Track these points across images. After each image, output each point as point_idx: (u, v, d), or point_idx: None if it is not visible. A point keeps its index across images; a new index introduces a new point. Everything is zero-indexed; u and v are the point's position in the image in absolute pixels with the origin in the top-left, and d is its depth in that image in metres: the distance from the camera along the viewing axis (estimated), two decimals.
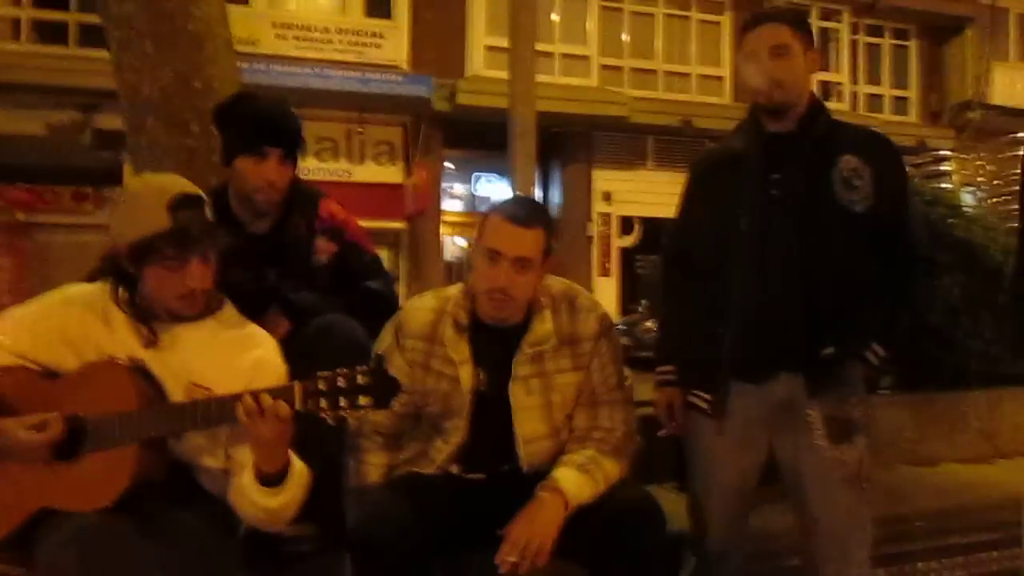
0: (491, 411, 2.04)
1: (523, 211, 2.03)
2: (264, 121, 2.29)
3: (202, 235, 1.82)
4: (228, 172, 2.38)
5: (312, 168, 12.18)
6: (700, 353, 2.19)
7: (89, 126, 12.44)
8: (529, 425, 2.04)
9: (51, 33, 12.52)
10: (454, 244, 14.79)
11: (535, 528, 1.85)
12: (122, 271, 1.86)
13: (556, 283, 2.14)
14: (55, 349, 1.87)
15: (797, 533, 2.21)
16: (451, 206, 14.46)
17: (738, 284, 2.11)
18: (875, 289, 2.09)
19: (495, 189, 14.12)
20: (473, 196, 14.74)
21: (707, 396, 2.17)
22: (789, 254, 2.07)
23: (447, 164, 14.03)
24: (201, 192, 1.89)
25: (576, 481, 1.94)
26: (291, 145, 2.30)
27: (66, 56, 12.05)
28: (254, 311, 2.07)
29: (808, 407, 2.08)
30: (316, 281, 2.34)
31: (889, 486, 2.23)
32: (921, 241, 2.15)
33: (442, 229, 14.01)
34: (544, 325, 2.05)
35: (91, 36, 11.52)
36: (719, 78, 14.99)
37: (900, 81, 16.39)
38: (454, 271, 13.87)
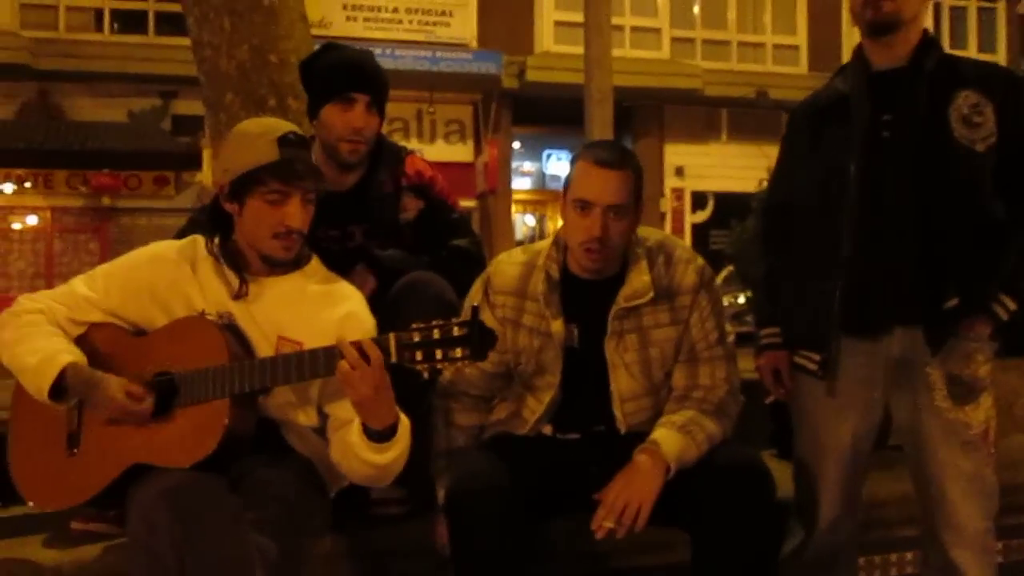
0: (585, 368, 1.97)
1: (610, 153, 1.94)
2: (350, 67, 2.27)
3: (307, 172, 1.84)
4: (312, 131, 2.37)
5: None
6: (806, 310, 2.07)
7: (168, 112, 12.78)
8: (625, 382, 1.97)
9: (131, 22, 12.86)
10: (524, 222, 14.76)
11: (633, 492, 1.77)
12: (217, 217, 1.88)
13: (652, 233, 2.05)
14: (144, 306, 1.88)
15: (915, 501, 2.08)
16: (521, 184, 14.42)
17: (848, 234, 1.98)
18: (1002, 235, 1.93)
19: (564, 167, 14.02)
20: (543, 173, 14.67)
21: (816, 356, 2.06)
22: (903, 200, 1.93)
23: (516, 142, 13.98)
24: (307, 137, 1.91)
25: (676, 442, 1.85)
26: (377, 93, 2.26)
27: (145, 44, 12.38)
28: (340, 269, 2.04)
29: (928, 365, 1.94)
30: (402, 238, 2.31)
31: (1003, 456, 2.09)
32: None
33: (513, 207, 13.99)
34: (640, 277, 1.96)
35: (169, 23, 11.80)
36: (795, 47, 14.56)
37: (987, 44, 15.65)
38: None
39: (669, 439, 1.85)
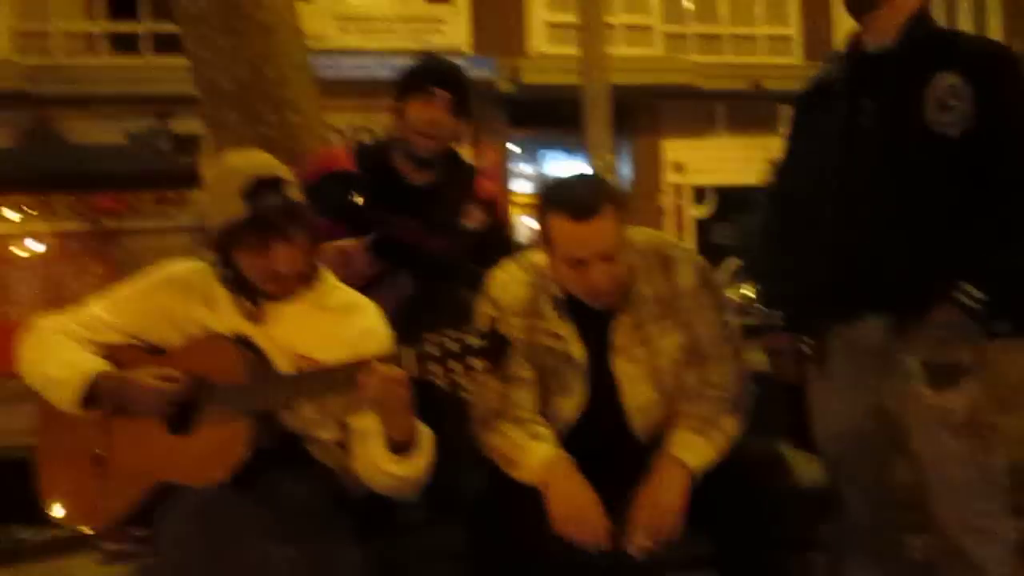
0: (598, 384, 1.95)
1: (582, 199, 1.80)
2: (433, 64, 2.43)
3: (281, 219, 1.79)
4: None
5: None
6: (799, 297, 2.09)
7: (166, 132, 12.79)
8: (639, 394, 1.95)
9: (125, 44, 12.89)
10: (524, 224, 14.75)
11: (662, 507, 1.78)
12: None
13: (640, 235, 1.98)
14: (160, 328, 1.90)
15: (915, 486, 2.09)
16: (519, 186, 14.41)
17: (829, 223, 1.99)
18: (969, 224, 1.87)
19: (563, 166, 14.01)
20: (541, 175, 14.66)
21: (810, 341, 2.08)
22: (877, 188, 1.92)
23: (513, 145, 13.98)
24: (282, 171, 1.85)
25: (695, 446, 1.85)
26: (458, 93, 2.34)
27: (141, 65, 12.40)
28: (395, 259, 2.18)
29: (901, 352, 1.92)
30: (458, 243, 2.37)
31: (1017, 432, 2.09)
32: None
33: (512, 210, 13.98)
34: (638, 289, 1.93)
35: (163, 44, 11.82)
36: (787, 38, 14.55)
37: (979, 24, 15.63)
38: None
39: (688, 445, 1.85)
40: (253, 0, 3.57)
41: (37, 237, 12.91)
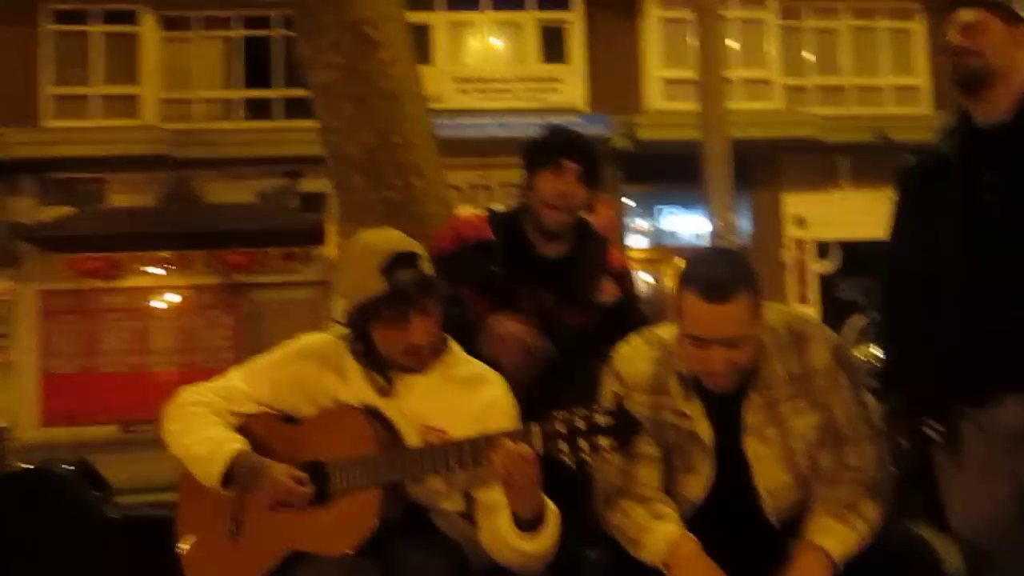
0: (728, 465, 1.88)
1: (719, 281, 1.74)
2: (562, 136, 2.42)
3: (418, 293, 1.84)
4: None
5: None
6: (925, 380, 1.98)
7: (294, 191, 13.43)
8: (771, 476, 1.87)
9: (259, 109, 13.68)
10: (640, 280, 14.63)
11: None
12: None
13: (774, 313, 1.92)
14: (292, 398, 1.96)
15: None
16: (635, 242, 14.35)
17: (955, 301, 1.90)
18: None
19: (679, 222, 13.89)
20: (657, 230, 14.57)
21: (938, 426, 1.96)
22: (1006, 263, 1.85)
23: (629, 200, 13.97)
24: (416, 246, 1.92)
25: (838, 536, 1.75)
26: (588, 164, 2.34)
27: (272, 128, 13.12)
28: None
29: None
30: (592, 318, 2.35)
31: None
32: None
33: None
34: (771, 368, 1.86)
35: (294, 108, 12.47)
36: (915, 88, 14.09)
37: None
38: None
39: (830, 533, 1.75)
40: (379, 69, 3.71)
41: (174, 290, 13.72)
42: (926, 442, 2.02)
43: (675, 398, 1.89)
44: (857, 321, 10.07)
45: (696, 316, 1.75)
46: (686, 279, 1.80)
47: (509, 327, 2.23)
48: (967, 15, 1.93)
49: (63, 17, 13.25)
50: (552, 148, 2.34)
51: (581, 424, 1.60)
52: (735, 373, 1.80)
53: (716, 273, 1.78)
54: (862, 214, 12.97)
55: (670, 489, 1.91)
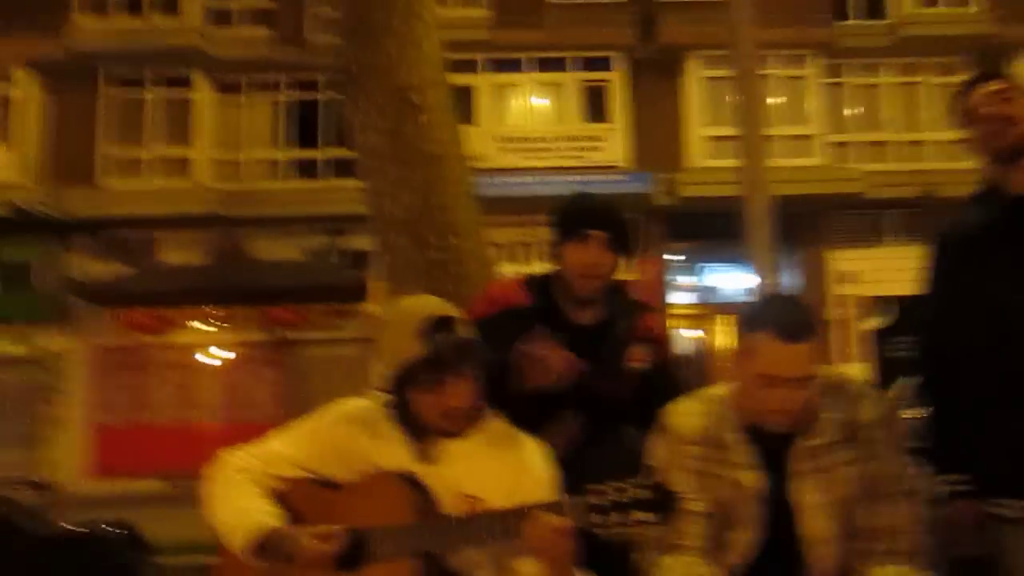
0: (775, 515, 1.88)
1: (793, 323, 1.81)
2: (586, 206, 2.40)
3: (456, 357, 1.86)
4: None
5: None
6: (998, 455, 1.93)
7: (337, 248, 13.65)
8: (818, 525, 1.86)
9: (306, 169, 14.01)
10: (683, 337, 14.50)
11: None
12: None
13: (827, 369, 1.97)
14: (329, 462, 1.97)
15: None
16: (677, 299, 14.27)
17: (1017, 369, 1.89)
18: None
19: (722, 279, 13.79)
20: (700, 287, 14.48)
21: (1018, 504, 1.90)
22: None
23: (671, 256, 13.94)
24: (454, 310, 1.94)
25: None
26: (614, 231, 2.33)
27: (316, 188, 13.40)
28: (554, 401, 2.15)
29: None
30: (625, 384, 2.34)
31: None
32: None
33: (670, 322, 13.81)
34: (823, 415, 1.89)
35: (340, 167, 12.75)
36: (959, 142, 13.92)
37: None
38: (684, 364, 13.56)
39: None
40: (422, 133, 3.80)
41: (222, 346, 13.93)
42: (999, 523, 1.95)
43: (728, 449, 1.91)
44: (905, 382, 9.87)
45: (771, 355, 1.79)
46: (757, 321, 1.85)
47: (540, 348, 2.22)
48: (995, 85, 2.02)
49: (122, 81, 13.79)
50: (576, 219, 2.34)
51: (619, 497, 1.60)
52: (795, 415, 1.84)
53: (790, 314, 1.85)
54: (908, 271, 12.72)
55: (718, 545, 1.91)
